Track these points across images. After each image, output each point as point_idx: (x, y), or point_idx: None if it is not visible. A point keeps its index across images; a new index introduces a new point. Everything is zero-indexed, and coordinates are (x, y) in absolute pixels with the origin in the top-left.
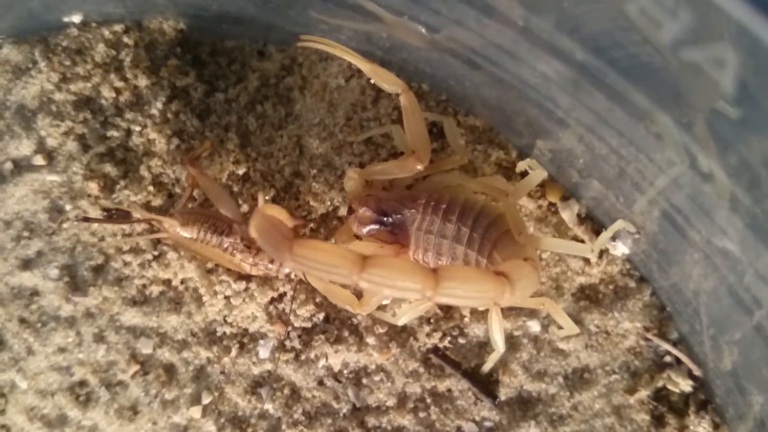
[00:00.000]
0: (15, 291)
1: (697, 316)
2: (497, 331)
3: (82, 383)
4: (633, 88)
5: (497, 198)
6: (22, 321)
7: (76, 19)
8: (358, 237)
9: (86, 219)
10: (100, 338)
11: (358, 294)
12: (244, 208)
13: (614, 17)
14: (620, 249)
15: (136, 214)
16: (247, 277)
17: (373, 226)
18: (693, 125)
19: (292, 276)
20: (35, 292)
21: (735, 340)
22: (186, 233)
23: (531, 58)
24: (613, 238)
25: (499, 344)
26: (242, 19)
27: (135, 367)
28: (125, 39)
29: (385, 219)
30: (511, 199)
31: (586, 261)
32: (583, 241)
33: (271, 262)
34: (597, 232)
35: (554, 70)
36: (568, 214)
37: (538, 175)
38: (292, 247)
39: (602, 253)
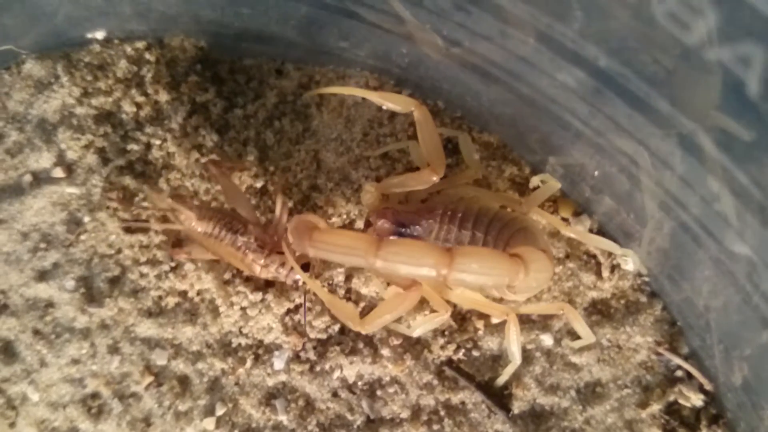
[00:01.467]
0: (30, 302)
1: (708, 331)
2: (514, 342)
3: (95, 395)
4: (656, 93)
5: (512, 207)
6: (36, 332)
7: (100, 35)
8: None
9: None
10: (114, 350)
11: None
12: (262, 219)
13: (639, 21)
14: (631, 264)
15: (160, 203)
16: (264, 288)
17: (391, 238)
18: (709, 133)
19: (300, 283)
20: (50, 304)
21: (746, 356)
22: (201, 227)
23: (552, 68)
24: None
25: (516, 356)
26: (261, 38)
27: (149, 379)
28: (147, 55)
29: (403, 230)
30: (525, 208)
31: (598, 276)
32: (594, 256)
33: (282, 265)
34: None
35: (575, 78)
36: (581, 229)
37: (552, 186)
38: (312, 235)
39: (614, 268)
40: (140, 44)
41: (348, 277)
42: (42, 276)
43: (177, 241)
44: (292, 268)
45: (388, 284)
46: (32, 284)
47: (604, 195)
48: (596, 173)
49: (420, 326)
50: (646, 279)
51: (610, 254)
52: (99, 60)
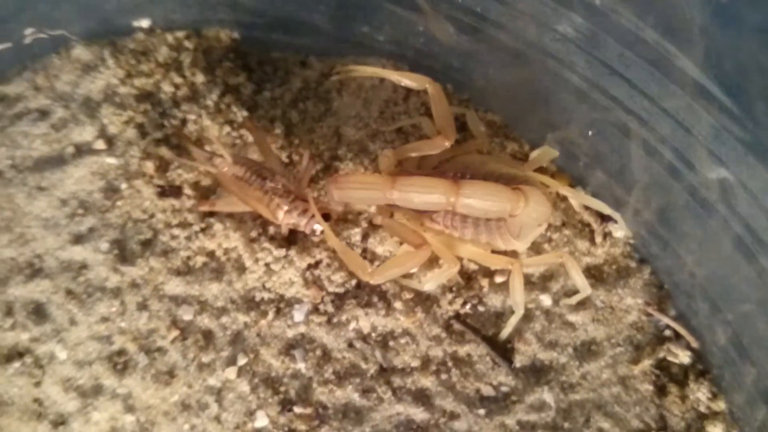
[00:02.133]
0: (64, 265)
1: (693, 295)
2: (518, 292)
3: (121, 352)
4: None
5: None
6: (69, 292)
7: (145, 23)
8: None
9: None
10: (143, 307)
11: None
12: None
13: None
14: (621, 232)
15: (195, 151)
16: (287, 245)
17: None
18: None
19: (318, 232)
20: (84, 266)
21: (728, 320)
22: (234, 171)
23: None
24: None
25: (520, 306)
26: (290, 27)
27: (174, 333)
28: (186, 43)
29: None
30: (527, 168)
31: (592, 243)
32: (588, 225)
33: (303, 213)
34: (602, 217)
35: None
36: (576, 202)
37: (550, 152)
38: (337, 178)
39: (605, 236)
40: (180, 34)
41: (364, 237)
42: (78, 239)
43: (205, 197)
44: (312, 216)
45: (401, 243)
46: (68, 247)
47: (597, 170)
48: (588, 150)
49: (430, 281)
50: (633, 242)
51: (602, 221)
52: (142, 47)
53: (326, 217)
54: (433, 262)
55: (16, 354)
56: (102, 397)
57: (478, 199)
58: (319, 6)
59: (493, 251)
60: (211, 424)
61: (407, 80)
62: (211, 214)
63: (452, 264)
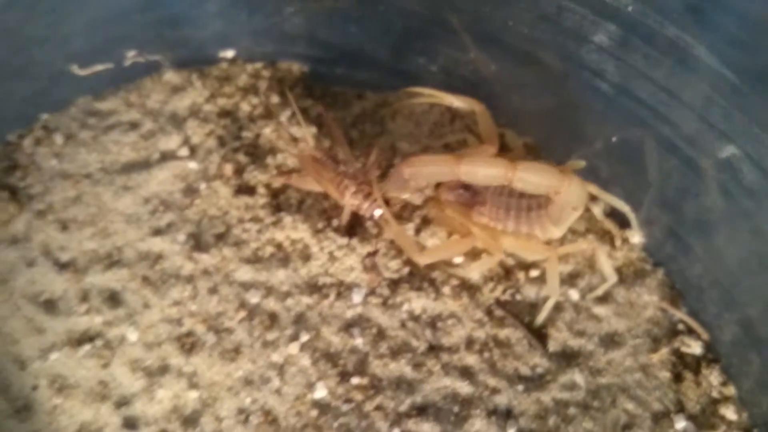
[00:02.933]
0: (142, 255)
1: (701, 295)
2: (554, 276)
3: (190, 333)
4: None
5: None
6: (144, 279)
7: (230, 54)
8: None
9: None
10: (213, 291)
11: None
12: None
13: None
14: (637, 238)
15: (284, 134)
16: (349, 235)
17: (458, 191)
18: None
19: (377, 216)
20: (161, 256)
21: (735, 319)
22: (313, 153)
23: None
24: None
25: (555, 290)
26: (352, 63)
27: (242, 314)
28: (263, 73)
29: (465, 188)
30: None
31: (612, 247)
32: (609, 232)
33: (366, 197)
34: (621, 225)
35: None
36: (597, 210)
37: (577, 163)
38: (410, 159)
39: (624, 241)
40: (258, 65)
41: (417, 231)
42: (156, 232)
43: (276, 197)
44: (374, 201)
45: (450, 235)
46: (147, 239)
47: (615, 186)
48: (605, 173)
49: (475, 269)
50: (645, 245)
51: (620, 228)
52: (225, 74)
53: (386, 203)
54: (476, 255)
55: (87, 338)
56: (168, 375)
57: (533, 173)
58: (384, 38)
59: None
60: (272, 396)
61: (458, 102)
62: (279, 208)
63: (496, 252)
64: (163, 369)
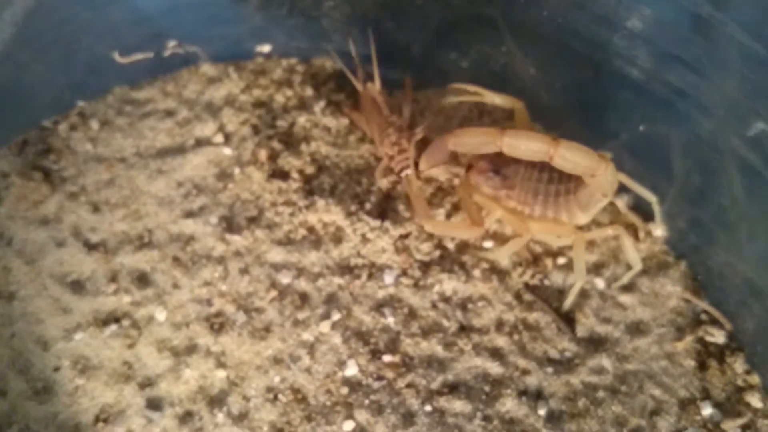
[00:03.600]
0: (174, 237)
1: (723, 288)
2: (580, 259)
3: (219, 313)
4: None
5: None
6: (175, 259)
7: (266, 48)
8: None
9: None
10: (245, 272)
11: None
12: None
13: None
14: (660, 231)
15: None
16: (382, 216)
17: (488, 174)
18: None
19: (404, 174)
20: (192, 237)
21: (757, 311)
22: (374, 95)
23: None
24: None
25: (582, 273)
26: (384, 59)
27: (273, 294)
28: (297, 68)
29: (495, 171)
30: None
31: (636, 239)
32: (632, 224)
33: (400, 153)
34: (644, 218)
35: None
36: (621, 203)
37: (605, 155)
38: (454, 131)
39: (647, 233)
40: (293, 60)
41: (447, 217)
42: (189, 215)
43: (308, 182)
44: (407, 158)
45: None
46: (179, 221)
47: (639, 179)
48: (629, 167)
49: (505, 251)
50: (667, 238)
51: (644, 221)
52: (261, 68)
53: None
54: (504, 240)
55: (113, 318)
56: (195, 355)
57: (574, 152)
58: (418, 34)
59: None
60: (302, 375)
61: (499, 99)
62: (312, 192)
63: (525, 233)
64: (191, 349)
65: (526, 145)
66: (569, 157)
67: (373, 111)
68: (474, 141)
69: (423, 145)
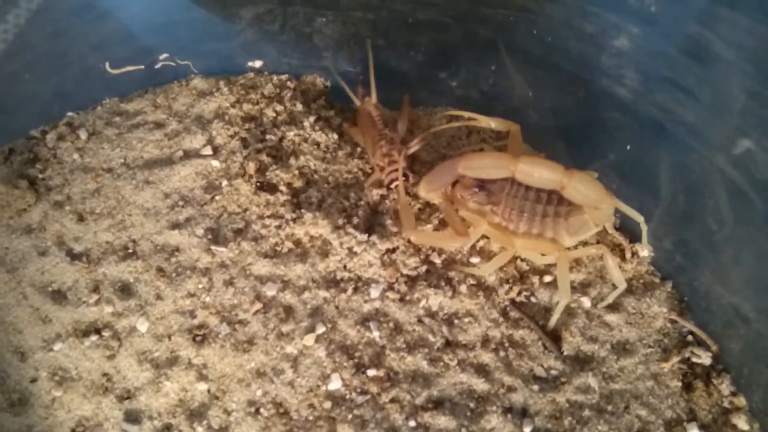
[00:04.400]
0: (159, 247)
1: (709, 309)
2: (565, 278)
3: (202, 325)
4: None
5: None
6: (159, 270)
7: (258, 64)
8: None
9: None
10: (229, 284)
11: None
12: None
13: None
14: (646, 252)
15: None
16: (370, 230)
17: (474, 189)
18: None
19: (392, 186)
20: (177, 248)
21: (742, 333)
22: (371, 109)
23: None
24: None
25: (566, 291)
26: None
27: (257, 306)
28: (288, 84)
29: (481, 187)
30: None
31: (623, 259)
32: (620, 245)
33: (390, 164)
34: (631, 238)
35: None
36: (608, 224)
37: (592, 174)
38: (466, 156)
39: (633, 254)
40: (284, 76)
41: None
42: (175, 226)
43: (296, 196)
44: (396, 170)
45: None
46: (165, 232)
47: (625, 200)
48: (615, 186)
49: (490, 266)
50: (653, 259)
51: (630, 242)
52: (251, 83)
53: (405, 177)
54: (491, 253)
55: (94, 329)
56: (176, 367)
57: (586, 185)
58: (409, 53)
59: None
60: (285, 388)
61: (494, 123)
62: (299, 206)
63: (509, 247)
64: (172, 361)
65: (540, 173)
66: (581, 189)
67: (368, 124)
68: (486, 165)
69: (413, 161)
